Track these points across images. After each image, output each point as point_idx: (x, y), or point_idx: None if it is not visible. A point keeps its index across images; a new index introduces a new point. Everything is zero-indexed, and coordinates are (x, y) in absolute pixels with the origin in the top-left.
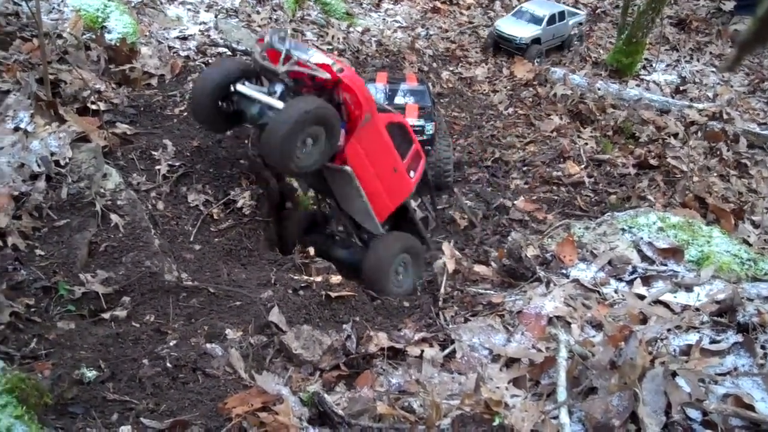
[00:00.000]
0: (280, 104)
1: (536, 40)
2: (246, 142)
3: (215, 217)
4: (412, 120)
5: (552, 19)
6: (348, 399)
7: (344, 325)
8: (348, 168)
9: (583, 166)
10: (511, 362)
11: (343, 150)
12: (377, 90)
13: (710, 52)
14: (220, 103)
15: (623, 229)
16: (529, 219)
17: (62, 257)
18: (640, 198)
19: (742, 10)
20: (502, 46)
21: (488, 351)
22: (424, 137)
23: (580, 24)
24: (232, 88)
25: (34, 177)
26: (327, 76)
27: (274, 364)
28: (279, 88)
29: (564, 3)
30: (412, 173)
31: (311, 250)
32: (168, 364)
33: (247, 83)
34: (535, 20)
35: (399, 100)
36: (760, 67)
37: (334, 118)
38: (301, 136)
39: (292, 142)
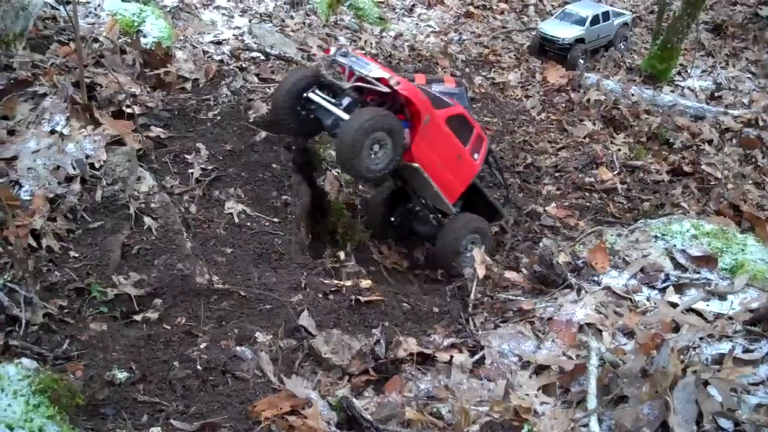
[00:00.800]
0: (345, 116)
1: (580, 40)
2: (277, 147)
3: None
4: None
5: (596, 20)
6: (376, 404)
7: (373, 330)
8: (416, 165)
9: (615, 173)
10: (540, 369)
11: (410, 149)
12: None
13: (746, 58)
14: (299, 109)
15: (656, 237)
16: (560, 225)
17: (95, 259)
18: (674, 205)
19: None
20: (547, 48)
21: (518, 358)
22: None
23: (626, 24)
24: (305, 95)
25: (69, 179)
26: (385, 89)
27: (303, 367)
28: (346, 100)
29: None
30: (475, 155)
31: (341, 255)
32: (198, 367)
33: (318, 92)
34: (579, 21)
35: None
36: None
37: (395, 123)
38: (367, 143)
39: (359, 149)
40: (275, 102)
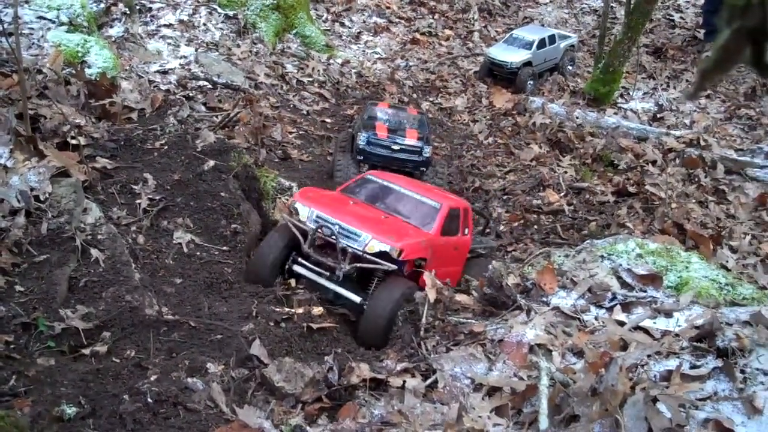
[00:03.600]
0: (357, 299)
1: (528, 64)
2: (225, 176)
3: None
4: (411, 141)
5: (542, 43)
6: (330, 431)
7: (326, 357)
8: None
9: (562, 194)
10: (493, 391)
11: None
12: (382, 112)
13: (686, 80)
14: (279, 274)
15: (603, 257)
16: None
17: (42, 293)
18: (620, 225)
19: (710, 36)
20: (496, 72)
21: (470, 380)
22: (422, 158)
23: (572, 46)
24: (288, 267)
25: (14, 212)
26: (392, 267)
27: (256, 397)
28: (340, 273)
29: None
30: (466, 231)
31: (292, 282)
32: (149, 400)
33: (302, 262)
34: (526, 45)
35: (402, 124)
36: (735, 94)
37: (415, 289)
38: (396, 319)
39: (389, 329)
40: (256, 277)
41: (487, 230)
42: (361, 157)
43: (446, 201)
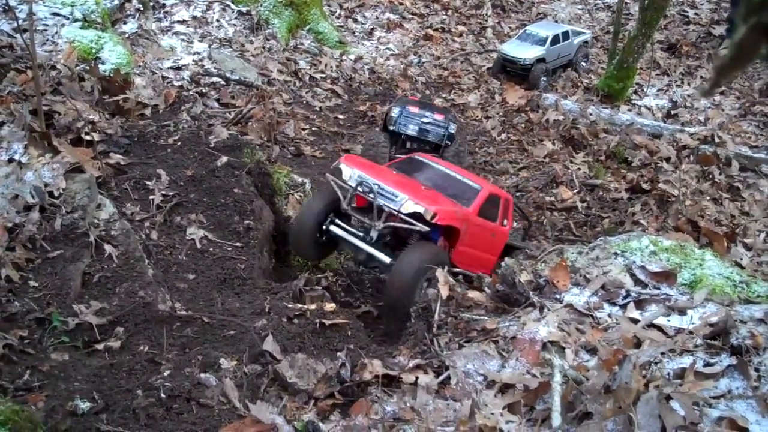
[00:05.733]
0: (384, 257)
1: (541, 60)
2: (238, 172)
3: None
4: (439, 117)
5: (556, 39)
6: (343, 427)
7: (338, 353)
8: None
9: (575, 191)
10: (505, 388)
11: (451, 256)
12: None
13: (701, 77)
14: (318, 239)
15: (616, 254)
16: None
17: (56, 288)
18: (633, 222)
19: (731, 33)
20: (509, 69)
21: (483, 377)
22: (447, 132)
23: (586, 42)
24: (325, 227)
25: (28, 208)
26: (425, 228)
27: (269, 393)
28: (374, 233)
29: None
30: (505, 221)
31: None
32: (162, 395)
33: (339, 222)
34: (539, 41)
35: (431, 108)
36: (750, 90)
37: (444, 258)
38: (420, 283)
39: (413, 292)
40: (295, 237)
41: (529, 233)
42: (394, 127)
43: (487, 186)
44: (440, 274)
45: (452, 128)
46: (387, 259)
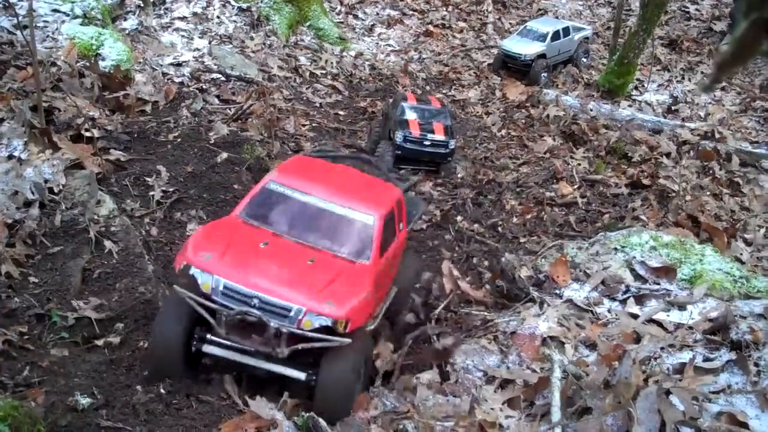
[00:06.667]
0: (302, 375)
1: (542, 56)
2: (238, 168)
3: None
4: (440, 137)
5: (556, 35)
6: (342, 422)
7: None
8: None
9: (576, 187)
10: (505, 383)
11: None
12: (411, 109)
13: (701, 72)
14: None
15: (616, 249)
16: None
17: (56, 284)
18: (633, 218)
19: (734, 28)
20: (510, 65)
21: (482, 372)
22: (447, 151)
23: (587, 38)
24: (195, 349)
25: (28, 204)
26: (345, 341)
27: (268, 389)
28: (279, 353)
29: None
30: (400, 225)
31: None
32: (161, 390)
33: (214, 339)
34: (540, 37)
35: (430, 120)
36: (751, 86)
37: (369, 348)
38: (357, 390)
39: (352, 400)
40: (159, 369)
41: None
42: (399, 152)
43: (379, 208)
44: (446, 267)
45: (451, 145)
46: (301, 375)
